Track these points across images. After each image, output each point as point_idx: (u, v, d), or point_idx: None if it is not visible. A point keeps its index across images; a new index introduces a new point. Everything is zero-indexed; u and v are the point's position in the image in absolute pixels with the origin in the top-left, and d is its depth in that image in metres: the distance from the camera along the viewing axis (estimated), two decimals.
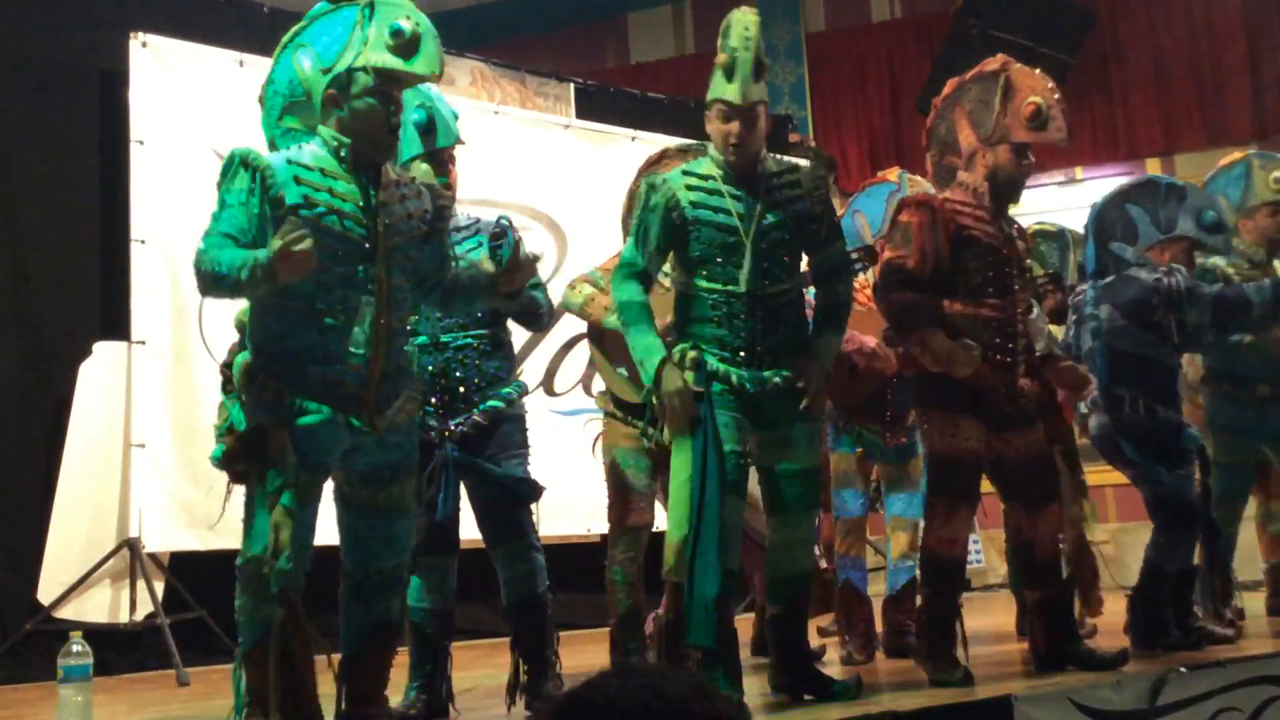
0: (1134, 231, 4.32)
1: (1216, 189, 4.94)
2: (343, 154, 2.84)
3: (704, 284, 3.32)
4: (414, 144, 3.47)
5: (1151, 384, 4.18)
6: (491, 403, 3.44)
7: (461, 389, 3.44)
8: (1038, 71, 3.85)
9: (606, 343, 4.00)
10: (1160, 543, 4.26)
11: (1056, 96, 3.76)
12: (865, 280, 4.72)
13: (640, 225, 3.37)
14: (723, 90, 3.33)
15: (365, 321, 2.80)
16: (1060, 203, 8.42)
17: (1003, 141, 3.72)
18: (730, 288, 3.31)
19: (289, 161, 2.81)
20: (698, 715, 1.22)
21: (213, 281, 2.74)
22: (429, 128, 3.49)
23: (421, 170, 3.37)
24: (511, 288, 3.12)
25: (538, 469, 3.57)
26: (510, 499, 3.43)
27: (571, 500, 5.55)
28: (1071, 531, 4.71)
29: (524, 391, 3.61)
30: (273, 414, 2.77)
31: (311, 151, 2.85)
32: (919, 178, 4.93)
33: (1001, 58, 3.85)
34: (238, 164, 2.78)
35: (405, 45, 2.82)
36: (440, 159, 3.49)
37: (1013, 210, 3.89)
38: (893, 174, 4.85)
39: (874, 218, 4.76)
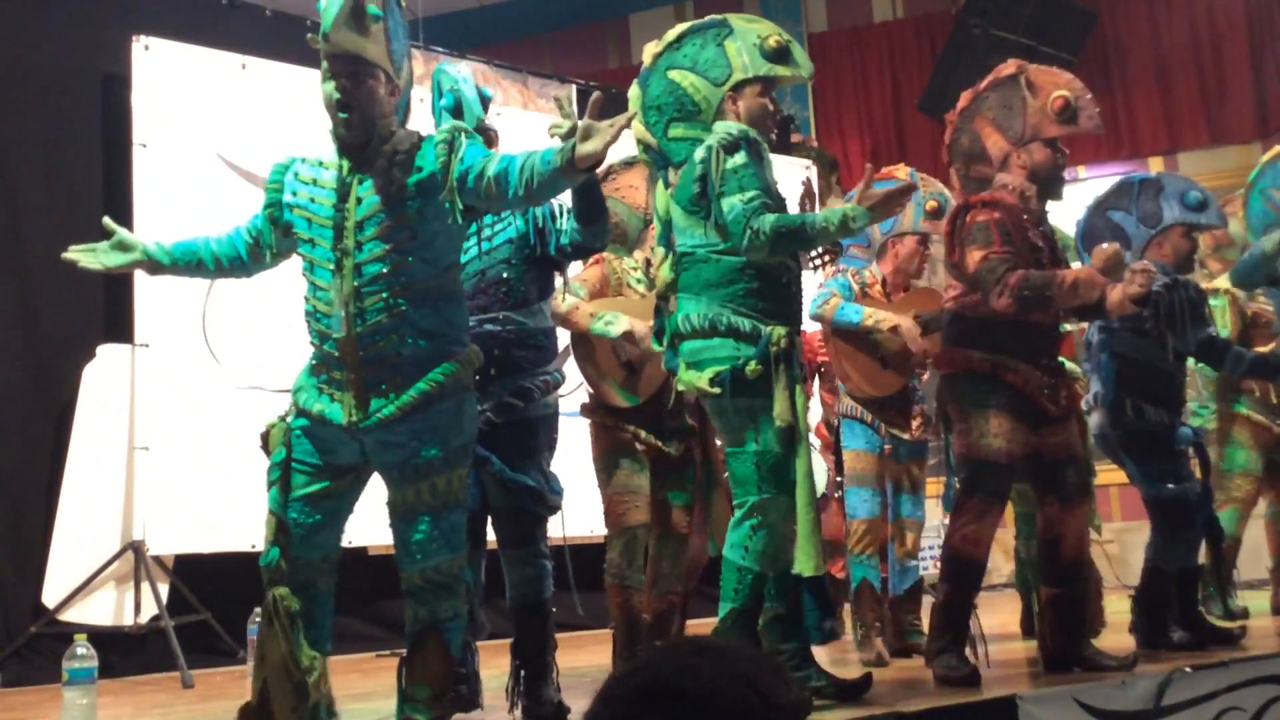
0: (1124, 236, 4.33)
1: (1266, 184, 4.94)
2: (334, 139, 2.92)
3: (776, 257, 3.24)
4: None
5: (1143, 386, 4.19)
6: (507, 399, 3.37)
7: (478, 377, 3.27)
8: (1055, 68, 3.89)
9: (591, 351, 3.97)
10: (1157, 542, 4.27)
11: (1081, 85, 3.80)
12: (874, 276, 4.73)
13: (743, 175, 3.16)
14: (773, 69, 3.32)
15: (336, 303, 2.79)
16: (1063, 202, 8.40)
17: (1035, 139, 3.75)
18: (790, 261, 3.30)
19: (303, 161, 2.96)
20: (786, 708, 1.13)
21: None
22: (456, 111, 3.48)
23: None
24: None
25: None
26: (518, 507, 3.39)
27: (573, 502, 5.55)
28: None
29: (553, 385, 3.47)
30: (283, 415, 2.88)
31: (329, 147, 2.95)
32: (928, 176, 4.93)
33: (1016, 62, 3.89)
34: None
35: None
36: None
37: None
38: (901, 172, 4.82)
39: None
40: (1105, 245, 3.65)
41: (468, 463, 2.90)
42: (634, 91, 3.44)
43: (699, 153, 3.25)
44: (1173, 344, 4.14)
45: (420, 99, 3.97)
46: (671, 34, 3.43)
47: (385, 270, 2.77)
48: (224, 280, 3.27)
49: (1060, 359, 3.83)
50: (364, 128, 2.82)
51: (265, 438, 2.89)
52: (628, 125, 2.68)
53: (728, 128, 3.27)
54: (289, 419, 2.88)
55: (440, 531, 2.81)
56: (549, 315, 3.59)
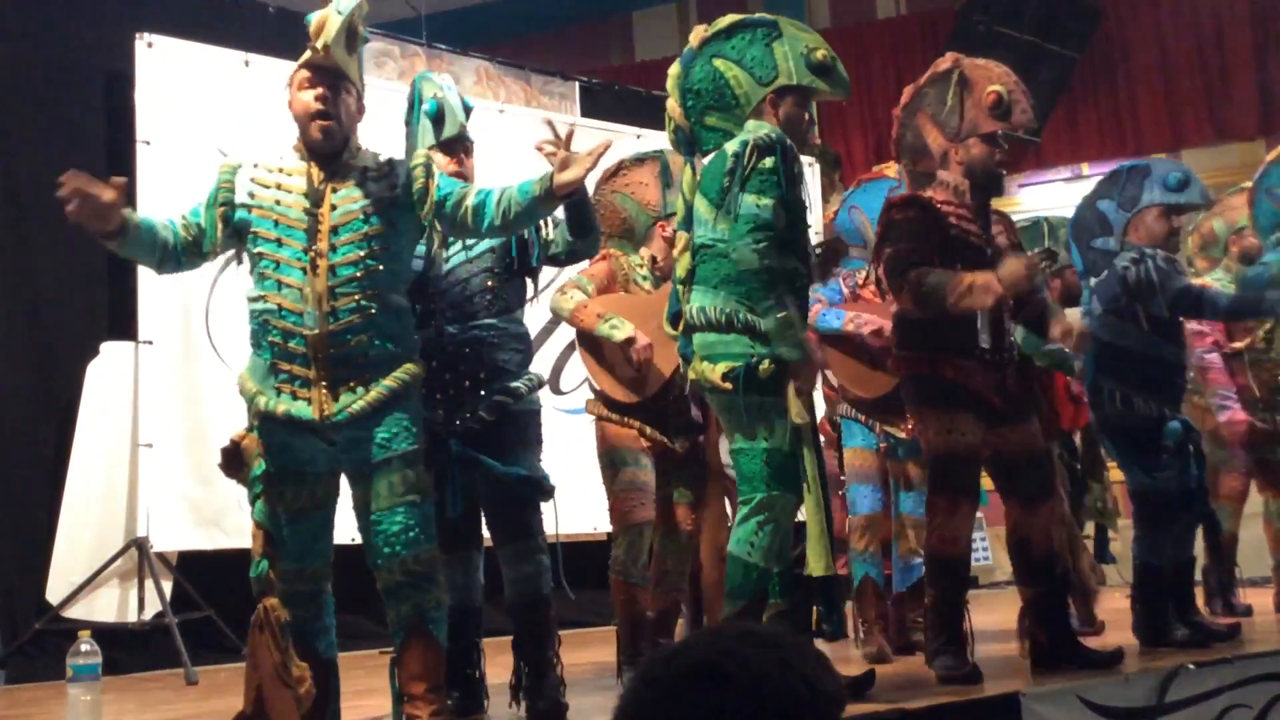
0: (1106, 223, 4.33)
1: (1272, 182, 4.92)
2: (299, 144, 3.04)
3: (793, 264, 3.25)
4: (428, 134, 3.51)
5: (1132, 375, 4.16)
6: (497, 398, 3.41)
7: (467, 382, 3.38)
8: (990, 61, 3.85)
9: (598, 347, 3.98)
10: (1139, 537, 4.25)
11: (1015, 80, 3.77)
12: (869, 276, 4.72)
13: (767, 180, 3.18)
14: (815, 81, 3.34)
15: (309, 301, 2.86)
16: (1067, 199, 8.40)
17: (971, 135, 3.73)
18: (802, 265, 3.32)
19: (255, 165, 3.05)
20: (831, 697, 1.11)
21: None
22: (439, 118, 3.50)
23: (437, 160, 3.38)
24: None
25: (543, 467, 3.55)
26: (515, 499, 3.40)
27: (576, 499, 5.56)
28: (1062, 529, 4.69)
29: (536, 385, 3.52)
30: (250, 426, 2.94)
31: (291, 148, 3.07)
32: None
33: (951, 56, 3.86)
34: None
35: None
36: (451, 149, 3.50)
37: (1018, 208, 3.90)
38: (892, 170, 4.81)
39: (875, 215, 4.73)
40: (1013, 258, 3.62)
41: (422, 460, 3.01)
42: (674, 70, 3.43)
43: (731, 146, 3.25)
44: (1144, 313, 4.12)
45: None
46: (723, 22, 3.42)
47: (358, 274, 2.90)
48: (180, 272, 3.24)
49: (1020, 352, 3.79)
50: (339, 137, 2.98)
51: (231, 454, 2.93)
52: (604, 154, 2.86)
53: (767, 130, 3.27)
54: (256, 432, 2.93)
55: (417, 521, 2.91)
56: (525, 320, 3.63)
